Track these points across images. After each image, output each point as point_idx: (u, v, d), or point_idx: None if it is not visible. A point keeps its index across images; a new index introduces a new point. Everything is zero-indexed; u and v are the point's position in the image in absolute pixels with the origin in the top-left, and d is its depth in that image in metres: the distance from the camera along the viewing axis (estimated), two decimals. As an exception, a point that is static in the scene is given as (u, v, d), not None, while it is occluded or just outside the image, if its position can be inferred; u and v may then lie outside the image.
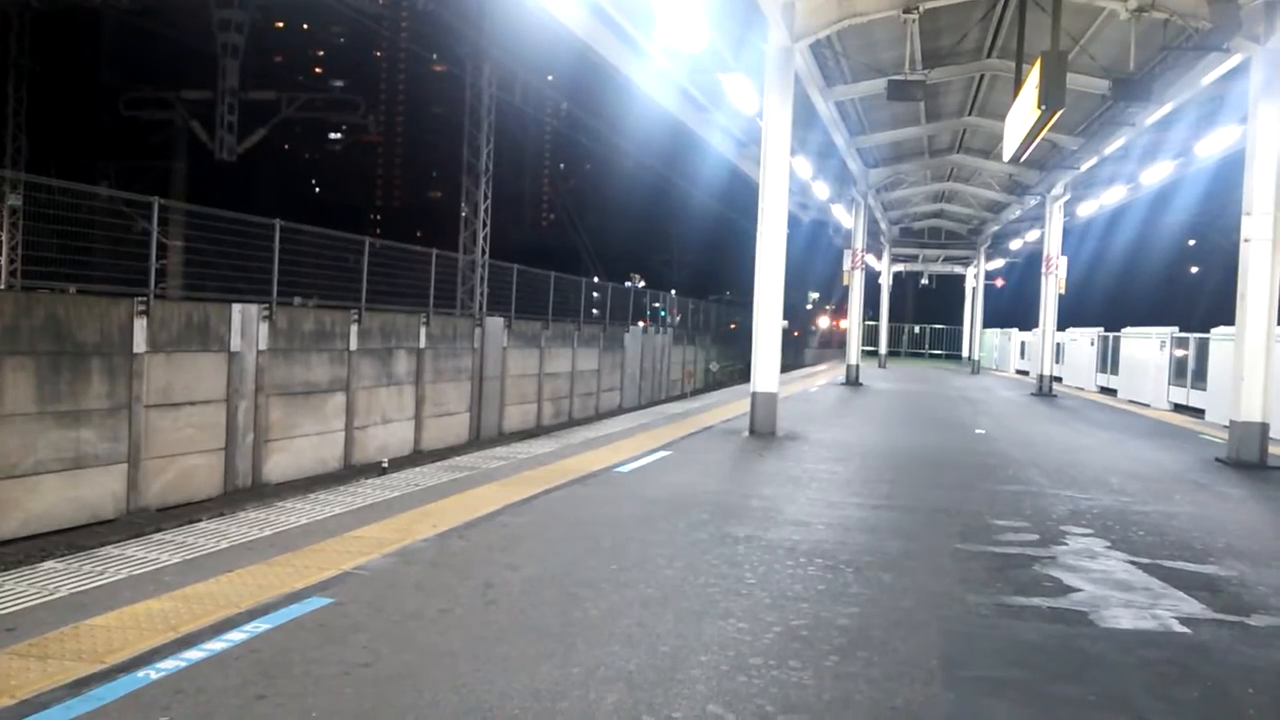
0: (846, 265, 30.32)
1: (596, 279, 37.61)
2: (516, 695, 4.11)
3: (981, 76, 20.34)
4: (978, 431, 16.79)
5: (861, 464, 11.95)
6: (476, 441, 21.40)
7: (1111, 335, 30.84)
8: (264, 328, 15.24)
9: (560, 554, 6.63)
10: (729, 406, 19.26)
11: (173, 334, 13.54)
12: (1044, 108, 10.59)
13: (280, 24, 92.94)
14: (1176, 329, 24.92)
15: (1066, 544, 7.68)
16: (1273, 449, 13.68)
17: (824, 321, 76.63)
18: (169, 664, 4.27)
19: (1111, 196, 29.31)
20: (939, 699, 4.32)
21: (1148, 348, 26.45)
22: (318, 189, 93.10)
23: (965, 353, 48.38)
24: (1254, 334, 13.42)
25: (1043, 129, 11.50)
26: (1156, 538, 8.11)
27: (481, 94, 28.07)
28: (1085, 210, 32.13)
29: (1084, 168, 25.45)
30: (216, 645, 4.52)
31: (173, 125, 28.70)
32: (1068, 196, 28.33)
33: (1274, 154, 13.26)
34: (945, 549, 7.33)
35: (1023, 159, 15.45)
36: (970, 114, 23.40)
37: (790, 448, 13.15)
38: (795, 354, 63.62)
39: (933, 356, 58.17)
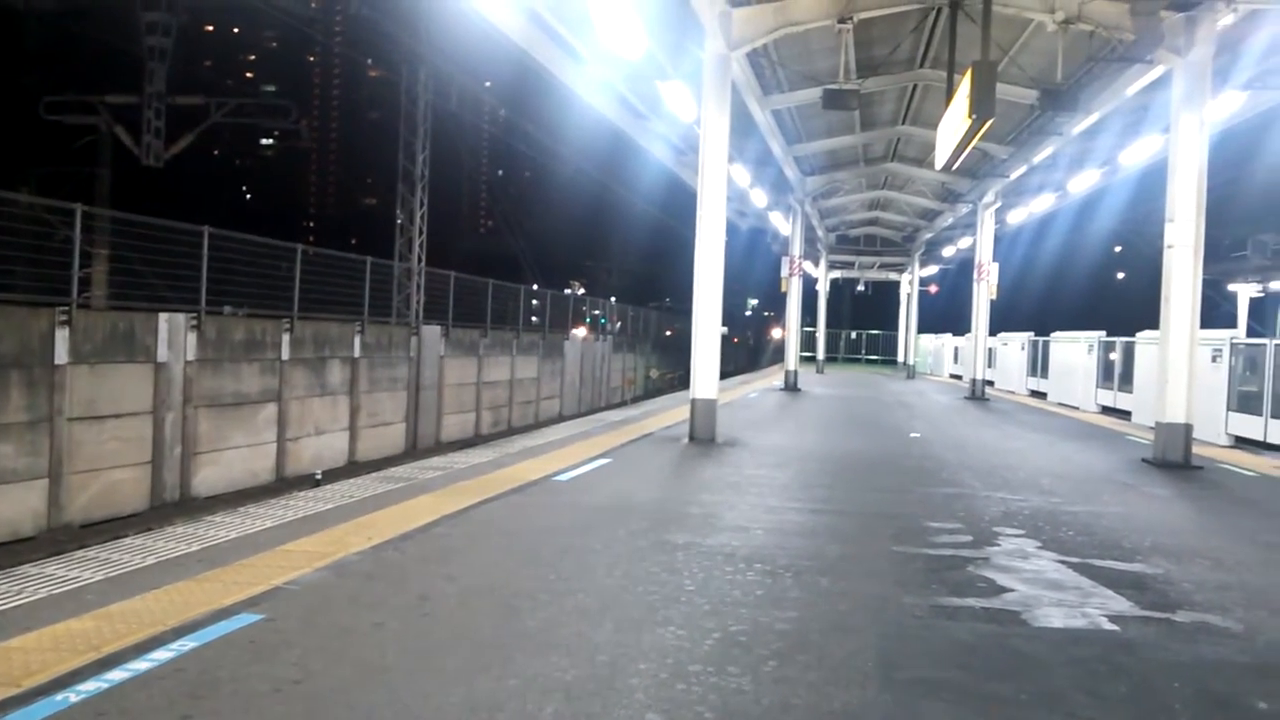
0: (784, 272, 30.56)
1: (536, 286, 37.48)
2: (452, 708, 4.05)
3: (914, 86, 20.70)
4: (913, 435, 17.01)
5: (800, 469, 12.03)
6: (413, 452, 21.15)
7: (1041, 340, 31.48)
8: (192, 337, 14.90)
9: (498, 564, 6.56)
10: (669, 413, 19.29)
11: (96, 344, 13.16)
12: (974, 117, 10.80)
13: (209, 27, 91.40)
14: (1104, 333, 25.50)
15: (999, 545, 7.80)
16: (1196, 449, 14.05)
17: (777, 333, 77.13)
18: (90, 685, 4.13)
19: (1040, 204, 29.97)
20: (876, 702, 4.34)
21: (1076, 352, 27.05)
22: (249, 196, 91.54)
23: (901, 358, 49.10)
24: (1177, 338, 13.77)
25: (973, 138, 11.74)
26: (1086, 537, 8.27)
27: (417, 100, 27.81)
28: (1015, 217, 32.82)
29: (1014, 176, 25.99)
30: (141, 665, 4.38)
31: (97, 130, 27.93)
32: (998, 204, 28.92)
33: (1195, 163, 13.63)
34: (882, 552, 7.39)
35: (954, 167, 15.74)
36: (904, 123, 23.78)
37: (730, 454, 13.20)
38: (746, 360, 64.08)
39: (869, 362, 58.91)
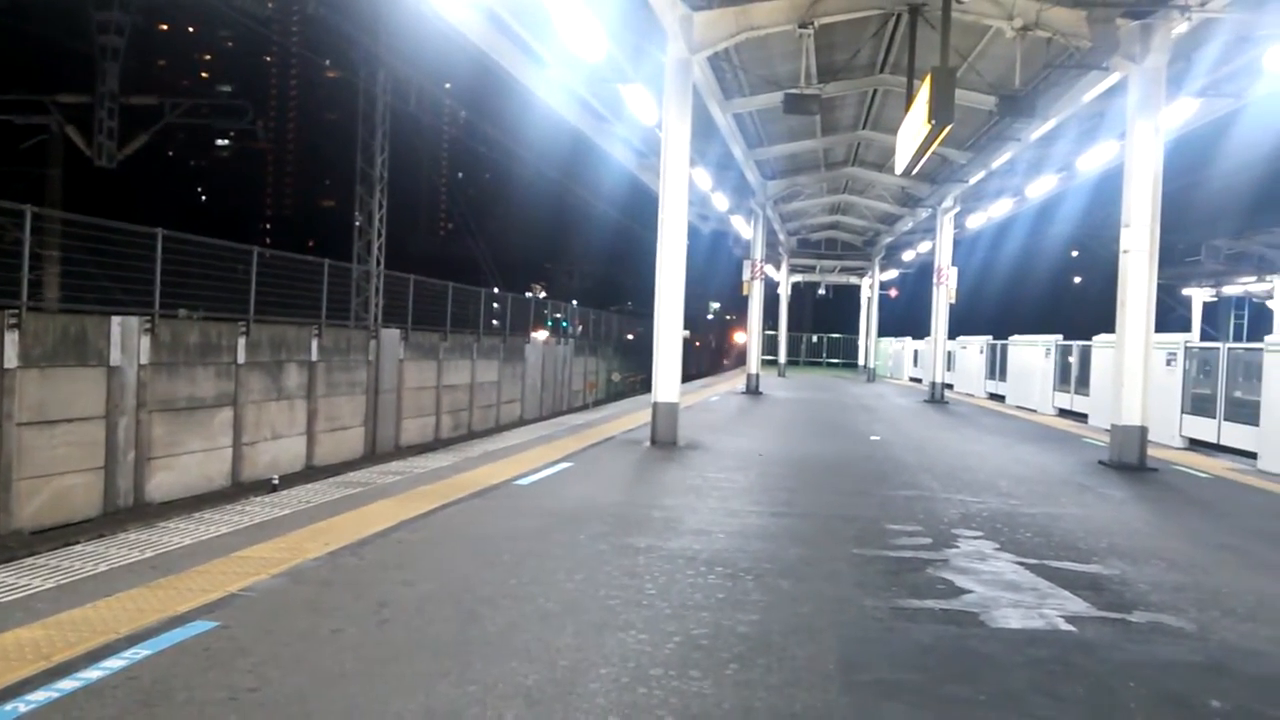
0: (746, 275, 30.67)
1: (496, 289, 37.31)
2: (411, 716, 4.01)
3: (875, 91, 20.83)
4: (873, 438, 17.11)
5: (761, 472, 12.05)
6: (372, 456, 20.95)
7: (999, 343, 31.82)
8: (146, 341, 14.66)
9: (457, 570, 6.50)
10: (631, 417, 19.27)
11: (47, 348, 12.91)
12: (934, 122, 10.90)
13: (164, 26, 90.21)
14: (1061, 337, 25.81)
15: (958, 546, 7.86)
16: (1151, 451, 14.26)
17: (740, 337, 77.30)
18: (39, 695, 4.04)
19: (999, 209, 30.30)
20: (836, 704, 4.35)
21: (1034, 355, 27.38)
22: (204, 197, 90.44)
23: (861, 361, 49.46)
24: (1133, 341, 13.97)
25: (933, 143, 11.84)
26: (1043, 539, 8.35)
27: (376, 101, 27.60)
28: (974, 222, 33.15)
29: (972, 181, 26.26)
30: (92, 674, 4.29)
31: (48, 130, 27.40)
32: (957, 209, 29.21)
33: (1150, 169, 13.84)
34: (842, 554, 7.42)
35: (914, 172, 15.87)
36: (864, 128, 23.95)
37: (691, 457, 13.20)
38: (709, 364, 64.19)
39: (830, 365, 59.29)
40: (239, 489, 16.10)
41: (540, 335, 37.12)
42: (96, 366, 13.80)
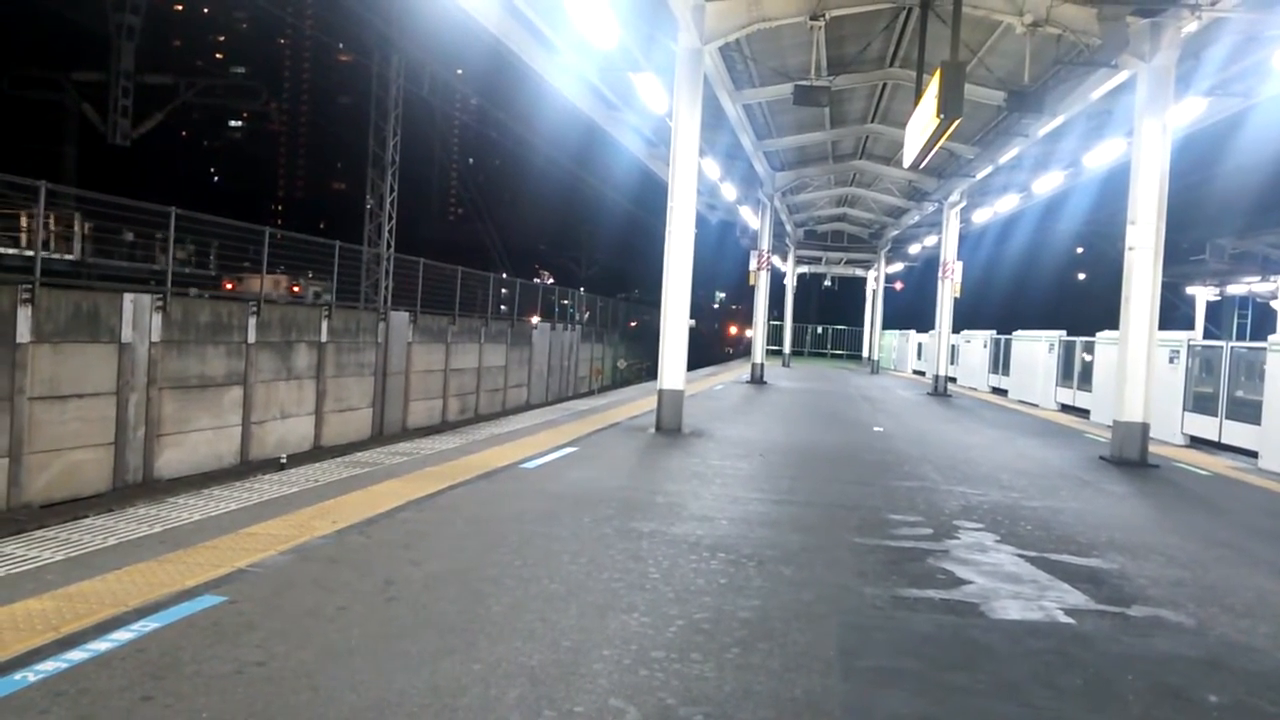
0: (752, 266, 30.64)
1: (505, 275, 37.37)
2: (416, 692, 4.07)
3: (884, 85, 20.81)
4: (876, 429, 17.14)
5: (765, 460, 12.11)
6: (379, 437, 21.08)
7: (1003, 338, 31.78)
8: (157, 319, 14.76)
9: (463, 550, 6.57)
10: (636, 403, 19.31)
11: (60, 324, 13.00)
12: (942, 116, 10.90)
13: (179, 7, 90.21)
14: (1064, 333, 25.80)
15: (959, 538, 7.91)
16: (1152, 448, 14.28)
17: (747, 332, 77.18)
18: (48, 665, 4.10)
19: (1005, 204, 30.23)
20: (836, 689, 4.40)
21: (1037, 350, 27.35)
22: (216, 177, 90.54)
23: (865, 353, 49.42)
24: (1136, 338, 13.98)
25: (941, 137, 11.84)
26: (1044, 532, 8.40)
27: (389, 85, 27.62)
28: (980, 217, 33.08)
29: (980, 176, 26.20)
30: (101, 645, 4.35)
31: (63, 107, 27.47)
32: (964, 203, 29.15)
33: (1157, 166, 13.82)
34: (844, 543, 7.47)
35: (922, 166, 15.88)
36: (873, 121, 23.92)
37: (696, 444, 13.25)
38: (715, 353, 64.21)
39: (834, 356, 59.27)
40: (247, 467, 16.23)
41: (533, 320, 37.14)
42: (108, 343, 13.90)
